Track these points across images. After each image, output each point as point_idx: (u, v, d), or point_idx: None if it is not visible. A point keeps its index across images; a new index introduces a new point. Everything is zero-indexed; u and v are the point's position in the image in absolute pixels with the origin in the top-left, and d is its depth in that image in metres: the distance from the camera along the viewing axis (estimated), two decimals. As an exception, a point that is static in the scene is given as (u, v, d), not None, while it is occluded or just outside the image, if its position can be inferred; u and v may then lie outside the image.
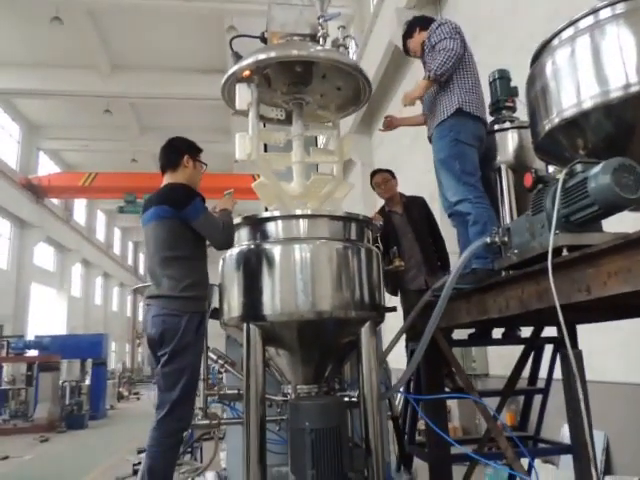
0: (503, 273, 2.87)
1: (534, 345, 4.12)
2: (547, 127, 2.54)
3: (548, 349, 4.21)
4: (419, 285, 4.70)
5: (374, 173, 5.24)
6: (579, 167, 2.17)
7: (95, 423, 14.33)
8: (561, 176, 2.17)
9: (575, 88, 2.38)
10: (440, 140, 3.51)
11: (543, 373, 4.30)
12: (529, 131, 3.09)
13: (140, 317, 40.30)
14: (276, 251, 3.02)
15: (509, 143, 3.60)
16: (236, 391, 3.30)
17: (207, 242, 3.34)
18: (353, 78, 3.49)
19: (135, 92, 18.83)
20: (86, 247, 29.53)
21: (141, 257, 43.42)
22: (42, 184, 20.98)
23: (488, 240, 2.75)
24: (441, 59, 3.40)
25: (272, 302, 2.95)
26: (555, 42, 2.55)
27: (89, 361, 16.59)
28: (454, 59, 3.41)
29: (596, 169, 2.02)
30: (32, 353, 14.93)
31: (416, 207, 5.06)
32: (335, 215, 3.19)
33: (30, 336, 17.33)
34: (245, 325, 2.97)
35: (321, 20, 3.46)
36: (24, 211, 21.27)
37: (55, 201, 25.29)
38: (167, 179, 3.46)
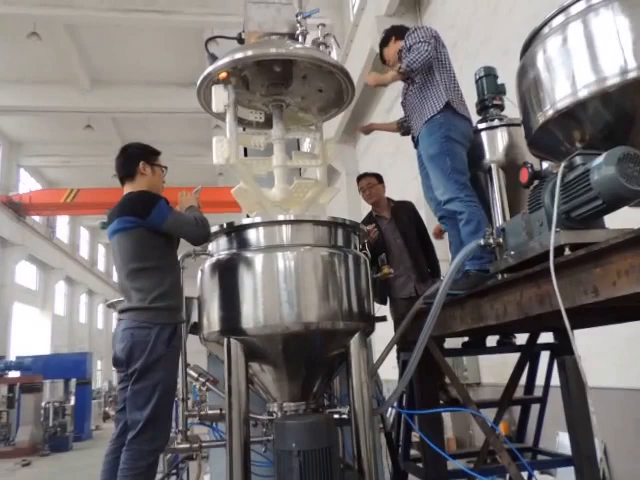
0: (500, 277, 2.71)
1: (530, 352, 3.96)
2: (541, 120, 2.38)
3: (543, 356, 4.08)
4: (409, 292, 4.56)
5: (360, 178, 5.11)
6: (579, 159, 2.02)
7: (80, 444, 13.93)
8: (560, 169, 2.01)
9: (569, 77, 2.23)
10: (430, 136, 3.39)
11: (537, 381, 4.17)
12: (519, 129, 2.97)
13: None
14: (258, 260, 2.85)
15: (499, 142, 3.47)
16: (218, 411, 3.09)
17: (177, 251, 3.20)
18: (335, 79, 3.35)
19: (116, 107, 18.53)
20: (69, 265, 28.97)
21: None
22: (23, 201, 20.53)
23: (482, 242, 2.59)
24: (414, 55, 3.42)
25: (254, 314, 2.77)
26: (545, 30, 2.41)
27: (73, 381, 16.16)
28: (426, 59, 3.41)
29: (598, 160, 1.87)
30: (14, 374, 14.51)
31: (404, 212, 4.92)
32: (320, 220, 3.02)
33: (12, 357, 16.90)
34: (225, 340, 2.79)
35: (299, 17, 3.32)
36: (5, 229, 20.76)
37: (37, 218, 24.82)
38: (127, 189, 3.29)
